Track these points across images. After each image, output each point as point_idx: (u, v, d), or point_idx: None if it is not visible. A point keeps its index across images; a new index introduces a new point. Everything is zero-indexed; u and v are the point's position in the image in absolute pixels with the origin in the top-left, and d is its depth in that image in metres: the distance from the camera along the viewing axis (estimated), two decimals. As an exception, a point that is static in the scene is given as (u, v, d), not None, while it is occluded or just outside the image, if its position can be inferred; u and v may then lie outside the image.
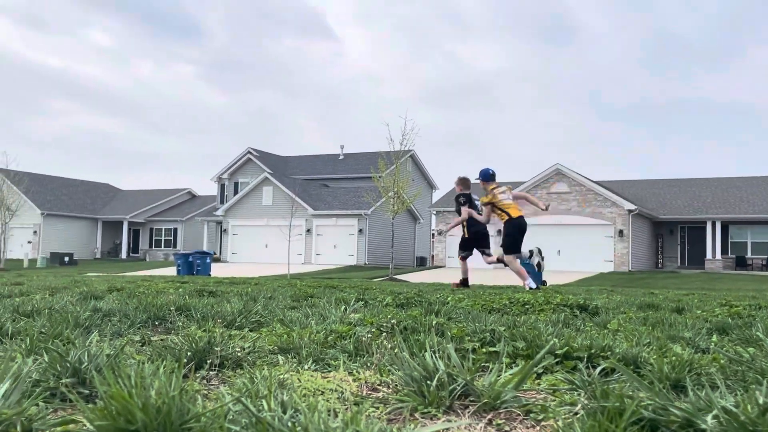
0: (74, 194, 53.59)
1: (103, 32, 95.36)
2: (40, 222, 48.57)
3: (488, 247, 11.27)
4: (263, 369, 2.41)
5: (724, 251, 37.27)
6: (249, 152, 49.08)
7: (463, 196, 11.12)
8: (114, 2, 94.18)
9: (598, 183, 36.64)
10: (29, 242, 48.74)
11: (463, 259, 11.52)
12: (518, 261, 10.65)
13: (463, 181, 11.19)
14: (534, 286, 10.37)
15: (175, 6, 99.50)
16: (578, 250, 34.94)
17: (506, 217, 10.40)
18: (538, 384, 2.30)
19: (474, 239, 11.11)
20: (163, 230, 52.90)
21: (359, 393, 2.14)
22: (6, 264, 38.34)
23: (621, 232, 34.45)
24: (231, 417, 1.52)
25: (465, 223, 11.14)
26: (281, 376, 2.28)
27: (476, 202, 11.03)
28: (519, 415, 1.86)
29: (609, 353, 2.66)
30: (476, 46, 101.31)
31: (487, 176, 10.61)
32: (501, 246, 10.64)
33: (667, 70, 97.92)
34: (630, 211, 34.45)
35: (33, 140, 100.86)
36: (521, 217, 10.43)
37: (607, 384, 2.15)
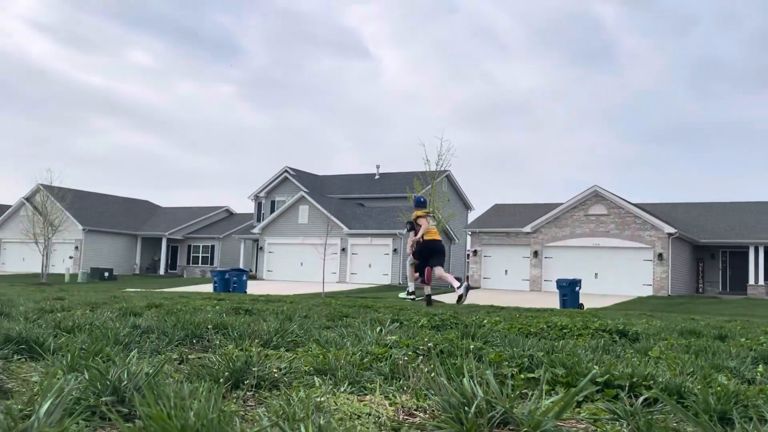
0: (115, 211, 54.63)
1: (144, 52, 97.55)
2: (82, 238, 49.56)
3: (441, 262, 12.79)
4: (300, 391, 2.41)
5: (767, 277, 36.32)
6: (286, 171, 49.55)
7: (409, 223, 13.08)
8: (154, 22, 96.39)
9: (637, 205, 36.09)
10: (71, 257, 49.73)
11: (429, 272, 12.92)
12: (414, 269, 12.78)
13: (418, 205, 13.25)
14: (411, 291, 13.07)
15: (214, 26, 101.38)
16: (616, 273, 34.38)
17: (422, 240, 12.54)
18: (578, 413, 2.25)
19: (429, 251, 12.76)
20: (201, 247, 53.55)
21: (396, 418, 2.11)
22: (48, 278, 39.16)
23: (660, 255, 33.82)
24: (268, 441, 1.52)
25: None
26: (317, 399, 2.27)
27: (431, 223, 13.01)
28: (559, 445, 1.82)
29: (651, 382, 2.60)
30: (513, 66, 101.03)
31: (418, 203, 13.06)
32: (410, 254, 12.83)
33: (709, 92, 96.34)
34: (670, 234, 33.83)
35: (75, 157, 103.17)
36: (432, 242, 12.57)
37: (650, 415, 2.10)
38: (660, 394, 2.21)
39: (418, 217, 12.65)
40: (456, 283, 12.25)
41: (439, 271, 12.35)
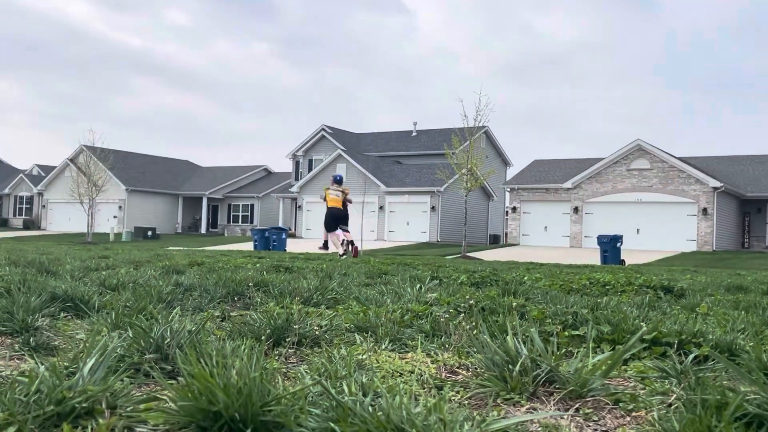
0: (156, 171, 55.42)
1: (180, 11, 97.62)
2: (125, 197, 50.52)
3: (344, 226, 16.08)
4: (341, 348, 2.40)
5: (817, 231, 35.36)
6: (323, 129, 49.50)
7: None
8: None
9: (681, 159, 35.24)
10: (115, 217, 50.81)
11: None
12: (335, 235, 15.95)
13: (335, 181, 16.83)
14: (341, 252, 15.48)
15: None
16: (659, 228, 33.80)
17: (327, 207, 16.04)
18: (625, 371, 2.20)
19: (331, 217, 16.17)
20: (241, 206, 54.16)
21: (438, 376, 2.09)
22: (93, 237, 40.11)
23: (705, 210, 33.10)
24: (311, 399, 1.50)
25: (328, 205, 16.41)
26: (359, 357, 2.26)
27: (332, 194, 16.14)
28: (607, 404, 1.78)
29: (701, 339, 2.53)
30: (554, 17, 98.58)
31: (334, 180, 16.58)
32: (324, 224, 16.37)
33: (757, 42, 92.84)
34: (715, 188, 33.02)
35: (115, 118, 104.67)
36: (332, 208, 15.91)
37: (701, 372, 2.04)
38: (713, 352, 2.14)
39: (327, 188, 16.42)
40: (341, 250, 15.43)
41: (338, 232, 15.92)
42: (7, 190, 57.86)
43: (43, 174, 58.62)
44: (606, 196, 35.78)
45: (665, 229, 33.71)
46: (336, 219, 16.03)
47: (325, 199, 16.33)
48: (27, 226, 55.04)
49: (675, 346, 2.47)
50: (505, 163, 51.92)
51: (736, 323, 3.11)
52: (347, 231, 16.15)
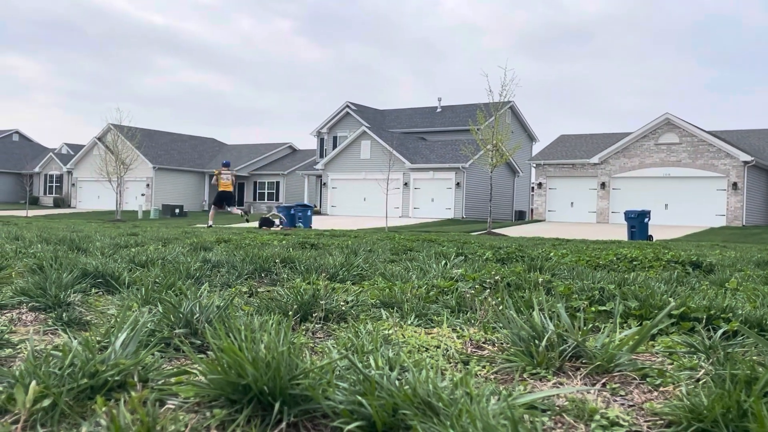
0: (183, 149, 55.80)
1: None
2: (152, 175, 51.02)
3: (231, 205, 20.95)
4: (367, 323, 2.42)
5: None
6: (347, 106, 49.39)
7: (214, 176, 21.15)
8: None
9: (710, 133, 34.59)
10: (142, 195, 51.38)
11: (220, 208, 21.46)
12: (213, 211, 21.29)
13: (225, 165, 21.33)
14: (210, 224, 20.32)
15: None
16: (687, 203, 33.34)
17: (219, 189, 20.57)
18: (653, 346, 2.18)
19: (220, 198, 20.83)
20: (266, 183, 54.41)
21: (464, 351, 2.10)
22: (122, 215, 40.63)
23: (735, 184, 32.54)
24: (338, 373, 1.52)
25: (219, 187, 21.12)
26: (385, 332, 2.27)
27: (224, 179, 20.50)
28: (635, 379, 1.77)
29: (730, 315, 2.50)
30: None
31: (223, 165, 21.11)
32: (213, 203, 21.32)
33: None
34: (746, 162, 32.41)
35: (141, 96, 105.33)
36: (222, 191, 20.37)
37: (730, 348, 2.02)
38: (742, 327, 2.11)
39: (220, 173, 20.34)
40: (211, 222, 20.23)
41: (233, 209, 20.86)
42: (37, 169, 58.74)
43: (72, 153, 59.34)
44: (633, 171, 35.33)
45: (694, 205, 33.25)
46: (224, 199, 20.66)
47: (217, 182, 20.45)
48: (57, 204, 55.91)
49: (703, 322, 2.45)
50: (531, 138, 51.43)
51: (766, 298, 3.07)
52: (234, 207, 21.23)
